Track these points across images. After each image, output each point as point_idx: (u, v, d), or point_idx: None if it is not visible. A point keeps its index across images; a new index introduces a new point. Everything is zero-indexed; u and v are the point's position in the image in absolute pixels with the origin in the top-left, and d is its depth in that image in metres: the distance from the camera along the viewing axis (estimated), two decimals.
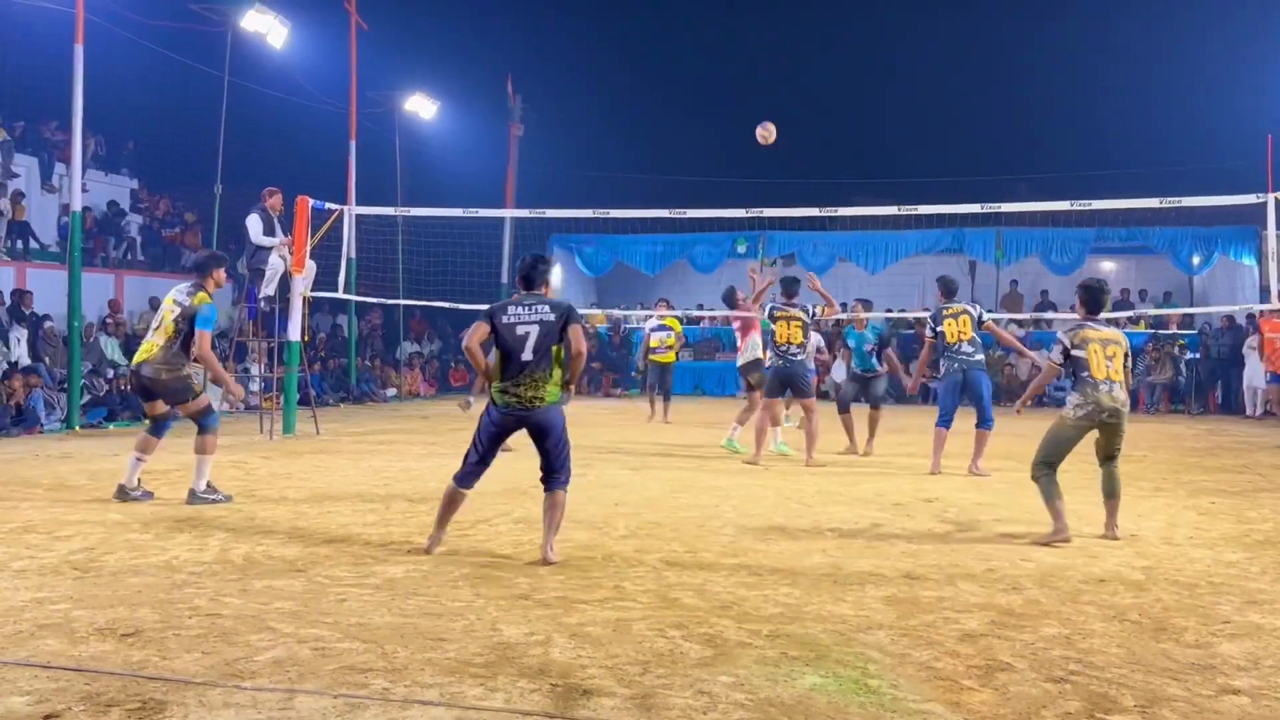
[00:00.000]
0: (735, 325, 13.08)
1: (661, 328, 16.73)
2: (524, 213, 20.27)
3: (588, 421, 17.08)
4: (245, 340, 15.67)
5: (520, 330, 6.03)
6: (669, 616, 4.86)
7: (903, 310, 21.44)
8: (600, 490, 8.96)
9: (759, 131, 13.74)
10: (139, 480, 8.22)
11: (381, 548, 6.37)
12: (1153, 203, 13.21)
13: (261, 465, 10.47)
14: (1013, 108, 34.90)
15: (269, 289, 13.61)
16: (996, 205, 14.13)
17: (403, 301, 19.44)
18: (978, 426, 10.54)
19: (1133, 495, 9.09)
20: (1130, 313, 19.69)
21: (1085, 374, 7.07)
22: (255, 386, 17.09)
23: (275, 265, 13.48)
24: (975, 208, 14.03)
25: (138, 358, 8.17)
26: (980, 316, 10.65)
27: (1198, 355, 21.55)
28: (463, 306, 15.53)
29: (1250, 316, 20.42)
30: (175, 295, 8.21)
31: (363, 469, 10.18)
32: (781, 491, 9.01)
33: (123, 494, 8.10)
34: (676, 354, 17.47)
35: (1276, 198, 11.69)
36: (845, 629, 4.71)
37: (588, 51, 37.41)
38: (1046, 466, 7.17)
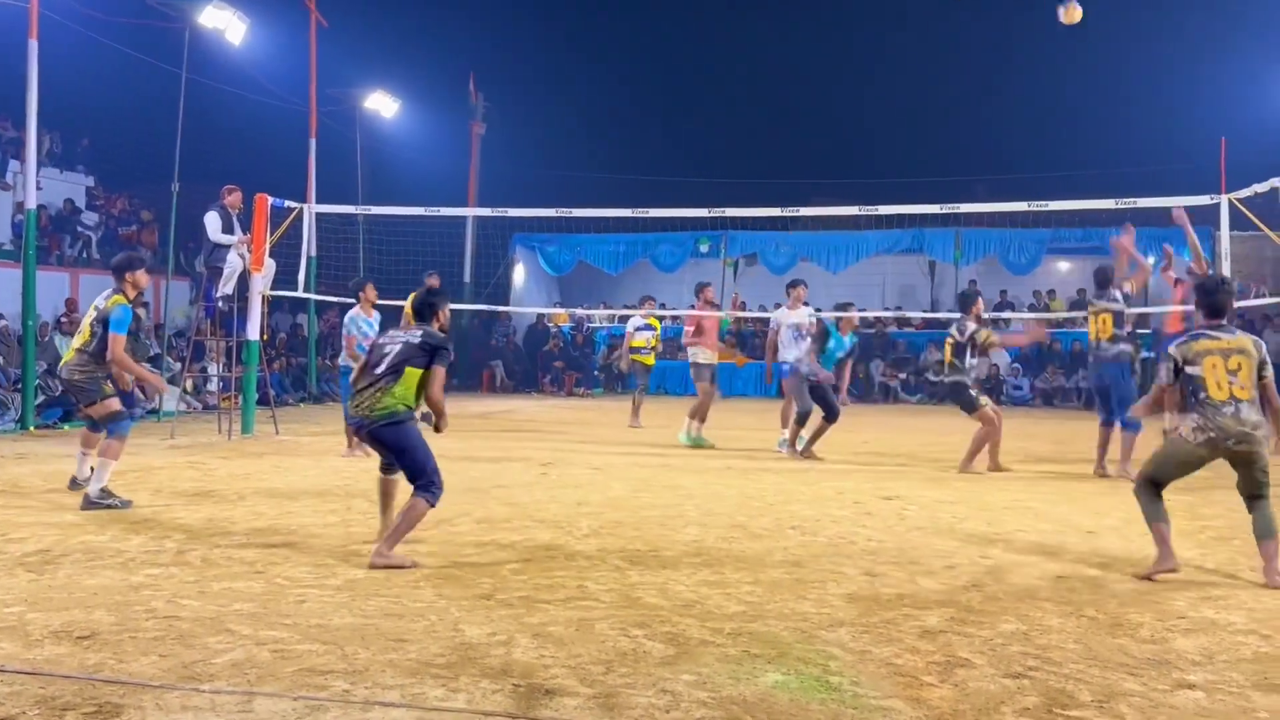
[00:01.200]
0: (690, 327, 13.30)
1: (647, 327, 16.60)
2: (486, 211, 20.21)
3: (550, 420, 17.06)
4: (203, 339, 15.51)
5: (387, 349, 6.21)
6: (632, 615, 4.86)
7: (863, 310, 21.53)
8: (563, 490, 8.95)
9: (1064, 10, 13.40)
10: (92, 469, 8.13)
11: (342, 548, 6.33)
12: (1108, 204, 13.39)
13: (220, 466, 10.37)
14: (972, 109, 35.28)
15: (227, 288, 13.47)
16: (955, 206, 14.26)
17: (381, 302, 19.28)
18: (1117, 426, 10.29)
19: (1087, 492, 9.22)
20: (1085, 312, 19.83)
21: (1203, 394, 5.85)
22: (213, 386, 16.93)
23: (234, 264, 13.34)
24: (935, 208, 14.15)
25: (62, 361, 8.30)
26: (1121, 313, 10.64)
27: (1152, 354, 21.83)
28: None
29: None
30: (97, 300, 8.28)
31: (323, 469, 10.10)
32: (744, 490, 9.04)
33: (74, 484, 8.30)
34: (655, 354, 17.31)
35: (1230, 199, 11.86)
36: (807, 626, 4.73)
37: (550, 50, 37.39)
38: (1151, 484, 6.09)
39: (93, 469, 8.05)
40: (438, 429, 6.37)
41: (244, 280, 13.42)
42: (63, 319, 17.55)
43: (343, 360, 11.59)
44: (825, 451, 11.72)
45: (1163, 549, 5.82)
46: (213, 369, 16.61)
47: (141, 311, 13.13)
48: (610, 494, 8.78)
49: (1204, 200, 12.22)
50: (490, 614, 4.85)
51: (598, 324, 27.47)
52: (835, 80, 37.13)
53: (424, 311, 6.46)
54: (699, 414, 12.93)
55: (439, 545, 6.44)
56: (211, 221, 13.26)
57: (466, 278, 26.33)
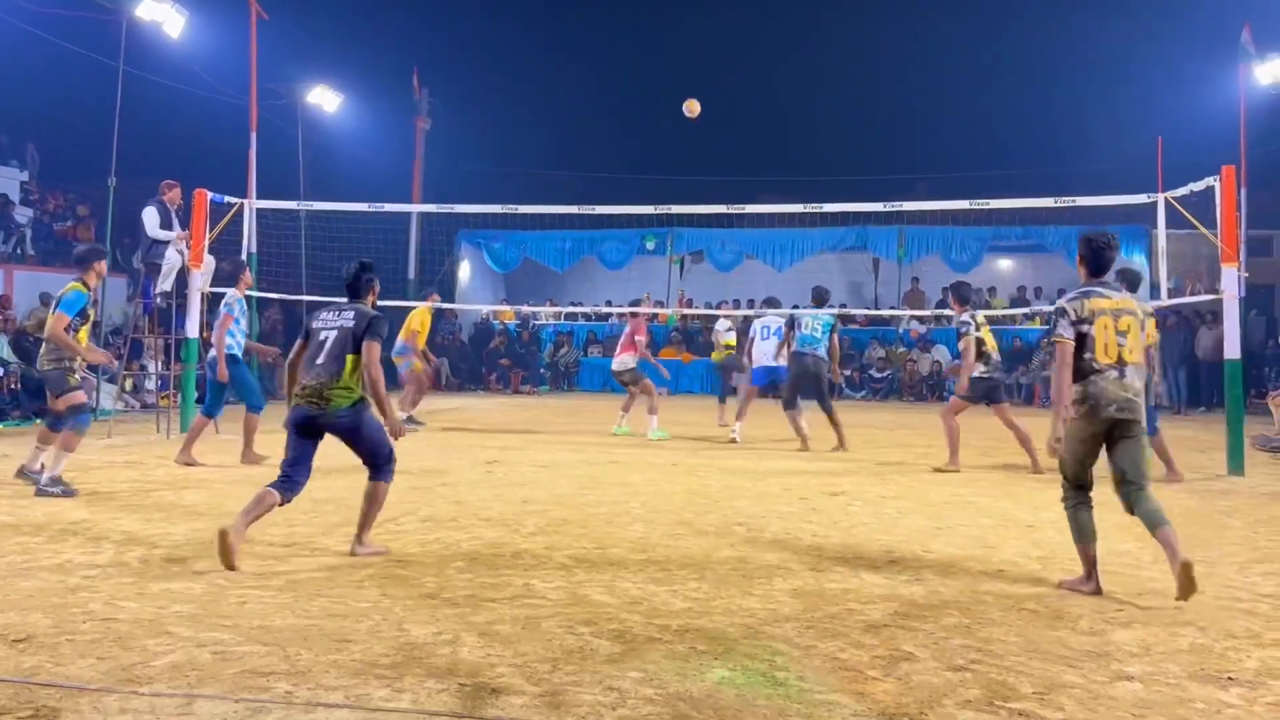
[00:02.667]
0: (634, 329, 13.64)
1: (731, 328, 17.19)
2: (431, 208, 20.07)
3: (497, 418, 16.99)
4: (141, 337, 15.26)
5: (323, 335, 6.15)
6: (578, 613, 4.85)
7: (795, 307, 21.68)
8: (508, 488, 8.92)
9: (687, 106, 14.57)
10: (43, 464, 8.44)
11: (284, 548, 6.26)
12: (1048, 202, 13.57)
13: (158, 465, 10.20)
14: (914, 109, 35.68)
15: (166, 284, 13.27)
16: (899, 204, 14.41)
17: (305, 297, 19.06)
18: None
19: (1029, 487, 9.35)
20: (1026, 309, 20.15)
21: (1088, 356, 5.45)
22: (152, 385, 16.66)
23: (172, 260, 13.14)
24: (878, 206, 14.29)
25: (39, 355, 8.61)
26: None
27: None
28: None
29: (1145, 312, 21.06)
30: (60, 291, 8.55)
31: (264, 468, 9.97)
32: (689, 487, 9.06)
33: (21, 473, 8.56)
34: None
35: (1166, 198, 12.07)
36: (753, 622, 4.75)
37: (496, 45, 37.23)
38: (1074, 489, 5.64)
39: (43, 465, 8.39)
40: (394, 434, 6.29)
41: (183, 277, 13.23)
42: None
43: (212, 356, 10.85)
44: (772, 448, 11.84)
45: (1087, 569, 5.45)
46: (151, 367, 16.34)
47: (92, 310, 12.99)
48: (556, 492, 8.76)
49: (1141, 199, 12.42)
50: (435, 613, 4.82)
51: (544, 321, 27.40)
52: (780, 79, 37.41)
53: (358, 288, 6.38)
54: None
55: (383, 543, 6.38)
56: (149, 217, 13.03)
57: (411, 274, 26.14)
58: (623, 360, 13.77)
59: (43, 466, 8.42)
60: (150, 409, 15.52)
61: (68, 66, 21.00)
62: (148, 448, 11.53)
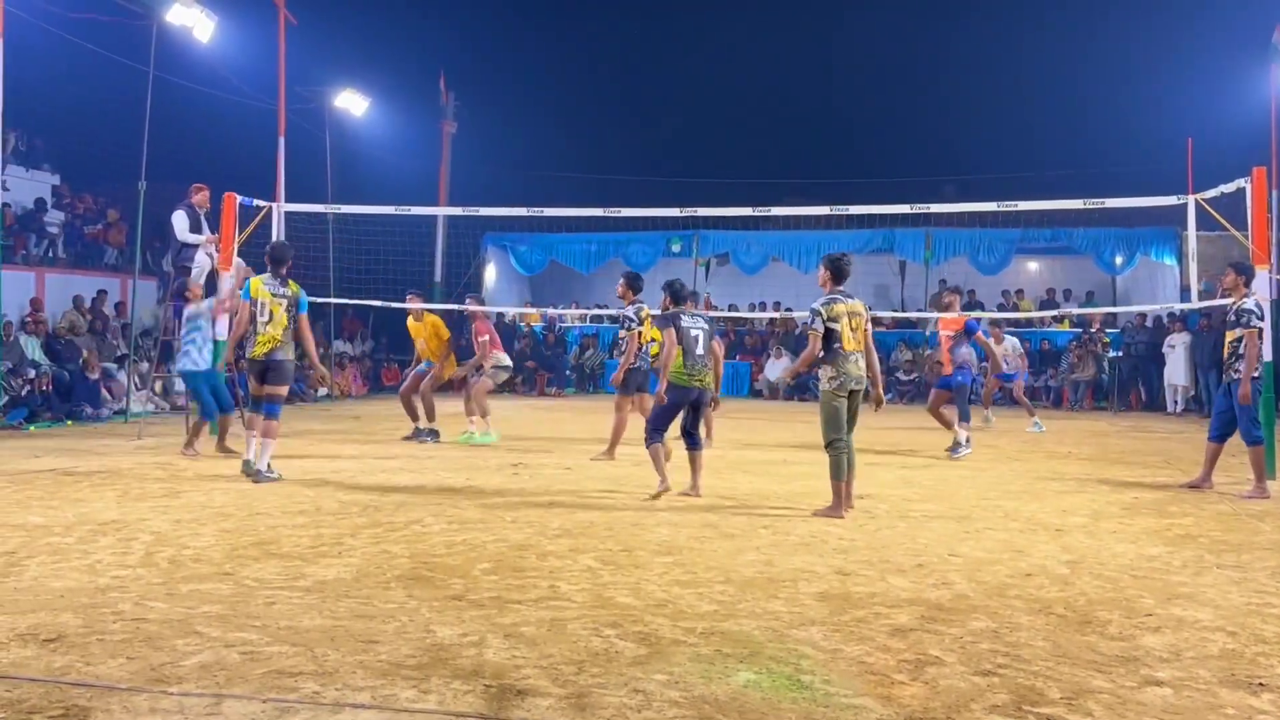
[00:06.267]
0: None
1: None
2: (457, 210, 20.13)
3: (523, 420, 17.02)
4: (172, 340, 15.36)
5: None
6: (604, 615, 4.86)
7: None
8: (534, 489, 8.93)
9: None
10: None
11: (312, 549, 6.29)
12: (1077, 204, 13.46)
13: (188, 466, 10.28)
14: (942, 111, 35.50)
15: None
16: (925, 206, 14.33)
17: (334, 300, 19.20)
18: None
19: (1056, 490, 9.29)
20: (1055, 312, 20.05)
21: (837, 345, 7.65)
22: (180, 387, 16.76)
23: (201, 263, 13.22)
24: (905, 208, 14.20)
25: (264, 347, 9.45)
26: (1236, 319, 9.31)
27: (1120, 354, 22.04)
28: (395, 305, 15.37)
29: (1171, 315, 20.93)
30: (271, 289, 9.51)
31: (293, 469, 10.02)
32: (714, 489, 9.04)
33: (247, 469, 9.45)
34: None
35: (1197, 199, 11.96)
36: (778, 626, 4.74)
37: (522, 49, 37.36)
38: (835, 440, 7.68)
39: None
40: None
41: (212, 280, 13.30)
42: (28, 319, 17.36)
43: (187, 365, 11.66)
44: (796, 450, 11.81)
45: (836, 500, 7.70)
46: None
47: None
48: (582, 493, 8.76)
49: (1171, 200, 12.32)
50: (461, 614, 4.83)
51: (570, 324, 27.42)
52: (807, 81, 37.31)
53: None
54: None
55: (409, 545, 6.41)
56: (179, 220, 13.12)
57: (437, 277, 26.23)
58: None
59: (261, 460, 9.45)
60: (180, 411, 15.61)
61: (98, 71, 21.15)
62: (177, 449, 11.61)
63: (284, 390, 9.62)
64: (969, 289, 25.55)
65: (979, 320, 13.97)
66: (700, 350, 8.68)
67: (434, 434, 13.08)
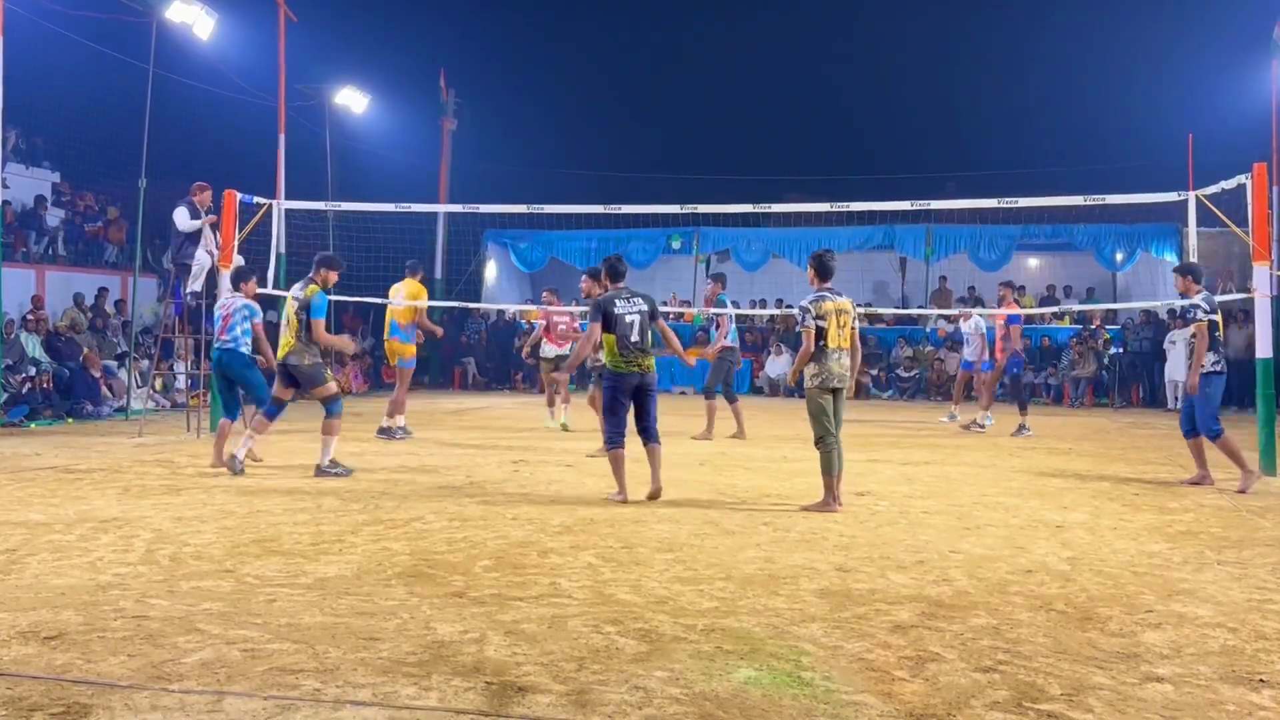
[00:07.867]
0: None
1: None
2: (457, 208, 20.11)
3: (524, 417, 17.03)
4: (172, 337, 15.38)
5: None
6: (604, 612, 4.86)
7: None
8: (534, 487, 8.93)
9: None
10: (248, 451, 9.73)
11: (312, 546, 6.29)
12: (1077, 200, 13.46)
13: (189, 464, 10.29)
14: (942, 107, 35.48)
15: (196, 284, 13.38)
16: (926, 203, 14.32)
17: (333, 297, 19.15)
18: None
19: (1058, 487, 9.29)
20: (1055, 308, 20.03)
21: (822, 344, 7.74)
22: (182, 384, 16.79)
23: (202, 260, 13.25)
24: (905, 205, 14.21)
25: (280, 353, 9.65)
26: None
27: (1121, 350, 22.04)
28: (395, 304, 15.35)
29: (1171, 311, 20.93)
30: (293, 291, 9.71)
31: (293, 466, 10.04)
32: (716, 486, 9.05)
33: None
34: None
35: (1197, 196, 11.96)
36: (779, 622, 4.74)
37: (522, 46, 37.34)
38: (825, 435, 7.80)
39: (248, 451, 9.77)
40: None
41: (213, 277, 13.32)
42: (28, 316, 17.36)
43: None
44: (798, 446, 11.80)
45: (831, 494, 7.78)
46: (181, 367, 16.47)
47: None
48: (582, 490, 8.77)
49: (1172, 197, 12.31)
50: (462, 612, 4.84)
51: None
52: (808, 78, 37.28)
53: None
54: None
55: (410, 543, 6.42)
56: (180, 214, 13.20)
57: (438, 274, 26.24)
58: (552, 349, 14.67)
59: (249, 453, 9.72)
60: (180, 408, 15.62)
61: (98, 69, 21.16)
62: (178, 447, 11.63)
63: (324, 392, 9.58)
64: (969, 285, 25.57)
65: (1019, 315, 14.73)
66: (635, 336, 8.25)
67: (405, 430, 13.06)
